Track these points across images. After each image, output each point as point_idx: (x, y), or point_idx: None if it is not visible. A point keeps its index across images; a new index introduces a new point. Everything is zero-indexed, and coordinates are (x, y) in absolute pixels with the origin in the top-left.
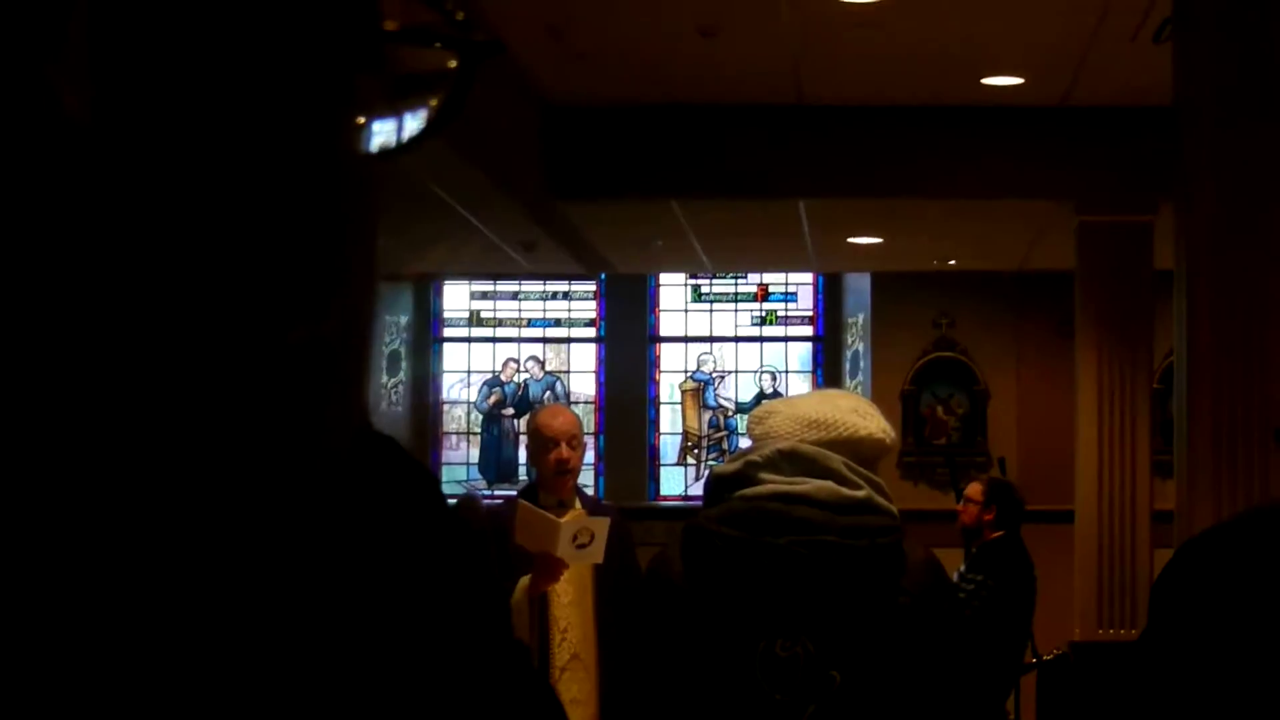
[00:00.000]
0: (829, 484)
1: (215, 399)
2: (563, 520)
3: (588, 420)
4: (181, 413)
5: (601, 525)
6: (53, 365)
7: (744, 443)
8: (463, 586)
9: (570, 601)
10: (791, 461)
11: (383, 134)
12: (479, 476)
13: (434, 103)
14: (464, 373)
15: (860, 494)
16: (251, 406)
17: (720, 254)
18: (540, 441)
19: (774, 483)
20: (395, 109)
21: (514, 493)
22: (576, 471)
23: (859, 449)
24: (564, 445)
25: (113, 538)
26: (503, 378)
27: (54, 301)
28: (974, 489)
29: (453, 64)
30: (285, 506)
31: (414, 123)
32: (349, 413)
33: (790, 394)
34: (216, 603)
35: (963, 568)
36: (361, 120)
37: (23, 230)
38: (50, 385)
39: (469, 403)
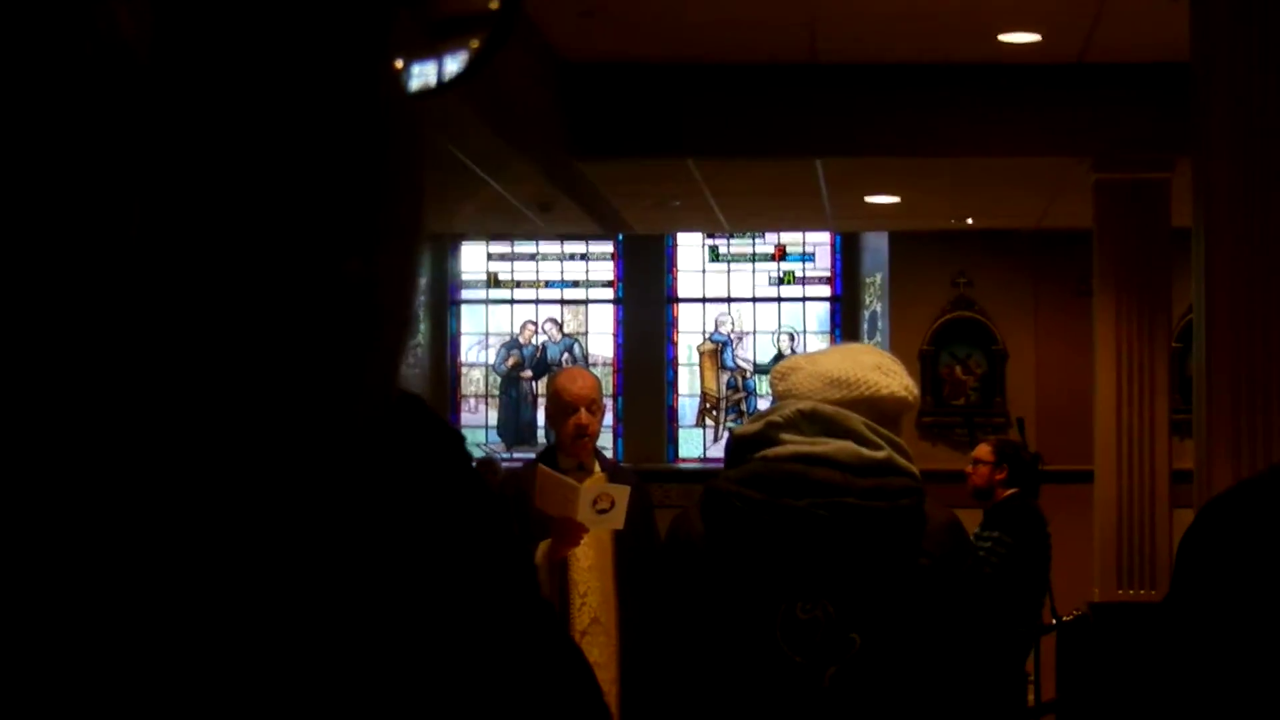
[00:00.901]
0: (849, 445)
1: (269, 334)
2: (583, 485)
3: (606, 382)
4: (230, 352)
5: (622, 492)
6: (100, 288)
7: (762, 404)
8: (491, 544)
9: (590, 566)
10: (812, 422)
11: (423, 75)
12: (497, 439)
13: (475, 44)
14: (482, 335)
15: (881, 455)
16: (304, 341)
17: (737, 214)
18: (560, 405)
19: (794, 444)
20: (436, 50)
21: (533, 456)
22: (596, 435)
23: (881, 407)
24: (583, 410)
25: (150, 483)
26: (521, 340)
27: (103, 224)
28: (982, 450)
29: (495, 4)
30: (324, 458)
31: (454, 64)
32: (393, 361)
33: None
34: (246, 558)
35: (978, 529)
36: (402, 61)
37: (80, 156)
38: (97, 308)
39: (487, 365)
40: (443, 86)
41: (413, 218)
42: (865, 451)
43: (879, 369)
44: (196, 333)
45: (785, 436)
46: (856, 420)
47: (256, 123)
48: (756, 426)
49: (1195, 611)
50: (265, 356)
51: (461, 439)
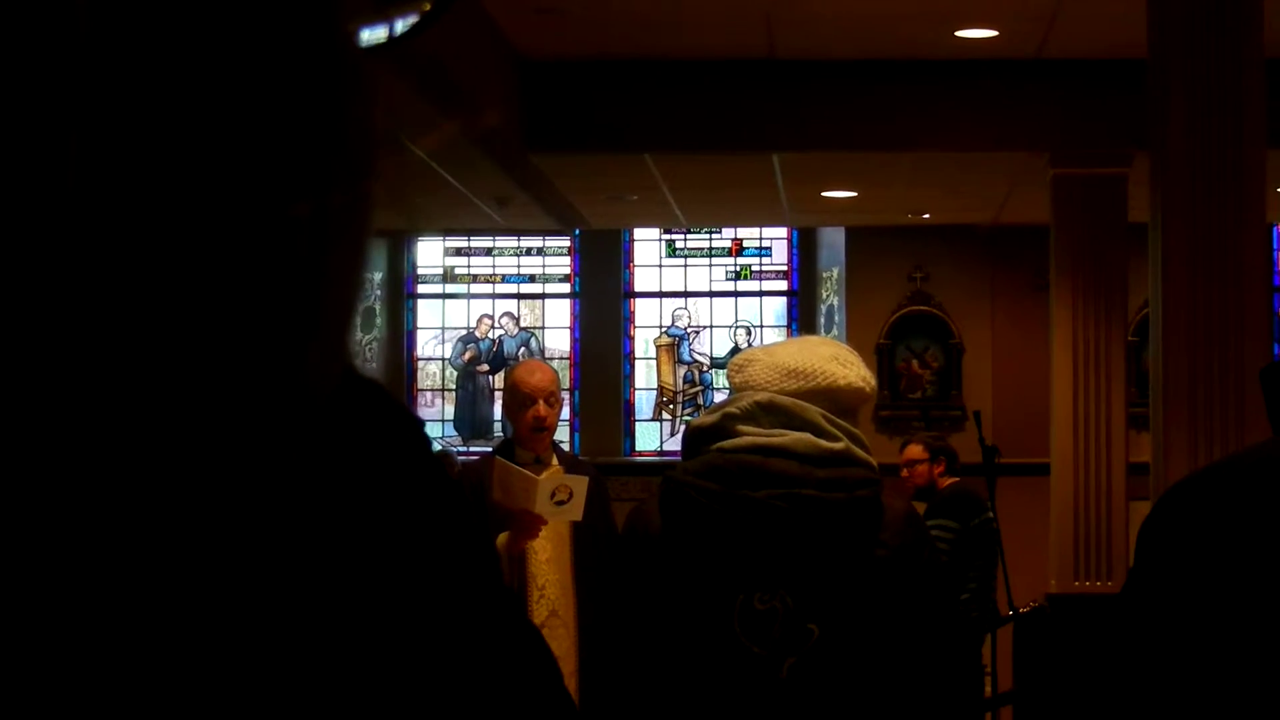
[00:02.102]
0: (807, 436)
1: (209, 284)
2: (541, 477)
3: (563, 376)
4: (164, 305)
5: (580, 483)
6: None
7: (719, 397)
8: (454, 531)
9: (548, 559)
10: (769, 413)
11: (375, 30)
12: (454, 433)
13: (426, 6)
14: (438, 329)
15: (838, 446)
16: (246, 294)
17: (694, 208)
18: (517, 398)
19: (752, 435)
20: (387, 15)
21: (490, 449)
22: (553, 428)
23: (838, 398)
24: (541, 402)
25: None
26: (477, 334)
27: (38, 165)
28: (914, 450)
29: None
30: (272, 433)
31: (404, 25)
32: (345, 320)
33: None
34: (201, 548)
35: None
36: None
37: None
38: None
39: (443, 359)
40: (394, 41)
41: (365, 163)
42: (823, 443)
43: (836, 360)
44: (130, 283)
45: (742, 428)
46: (814, 411)
47: (203, 53)
48: (713, 418)
49: (1154, 598)
50: (204, 312)
51: (421, 424)
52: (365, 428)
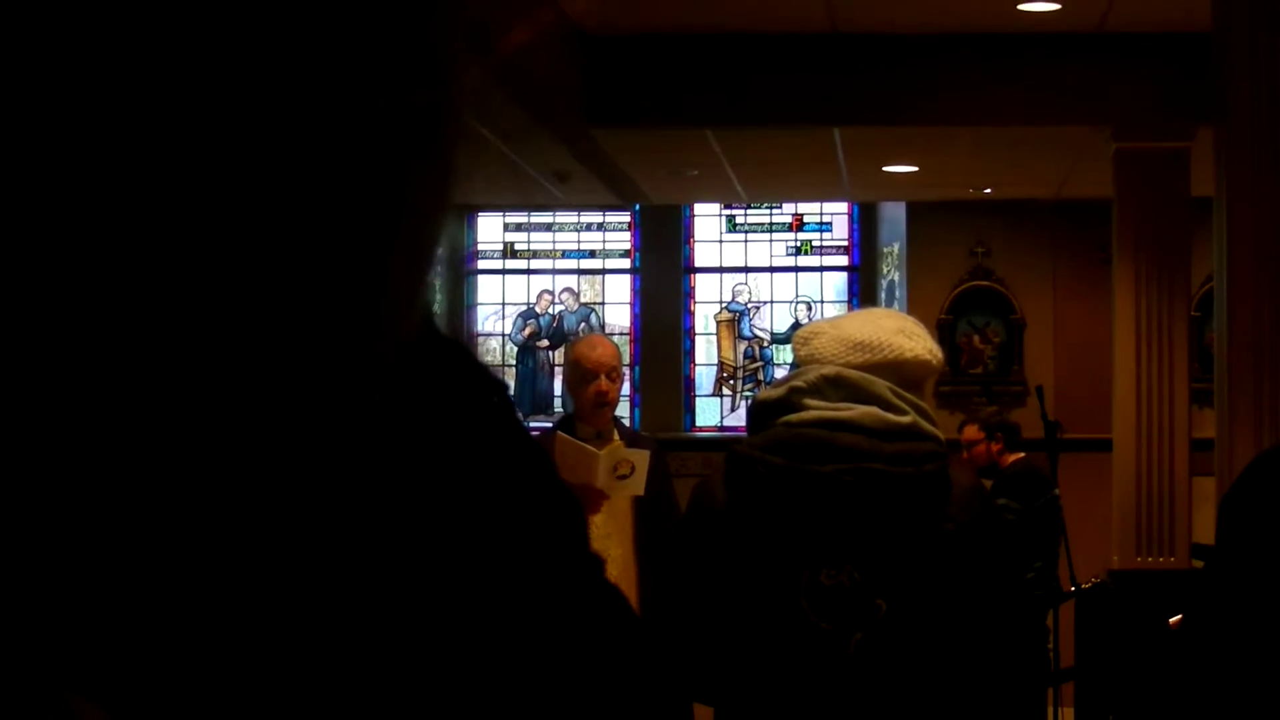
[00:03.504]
0: (874, 410)
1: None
2: (602, 452)
3: (623, 351)
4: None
5: (642, 457)
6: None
7: (779, 373)
8: (545, 497)
9: (609, 534)
10: (836, 387)
11: None
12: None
13: None
14: (498, 305)
15: (905, 419)
16: (320, 199)
17: (755, 183)
18: (579, 373)
19: (818, 409)
20: None
21: (550, 425)
22: (615, 403)
23: (904, 371)
24: (603, 377)
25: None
26: (537, 310)
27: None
28: (969, 431)
29: None
30: (355, 386)
31: None
32: (428, 244)
33: None
34: (272, 514)
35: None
36: None
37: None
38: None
39: (503, 335)
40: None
41: (451, 59)
42: (890, 416)
43: (902, 332)
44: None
45: (809, 402)
46: (881, 385)
47: None
48: (780, 392)
49: (1238, 569)
50: (270, 216)
51: (507, 388)
52: (452, 389)
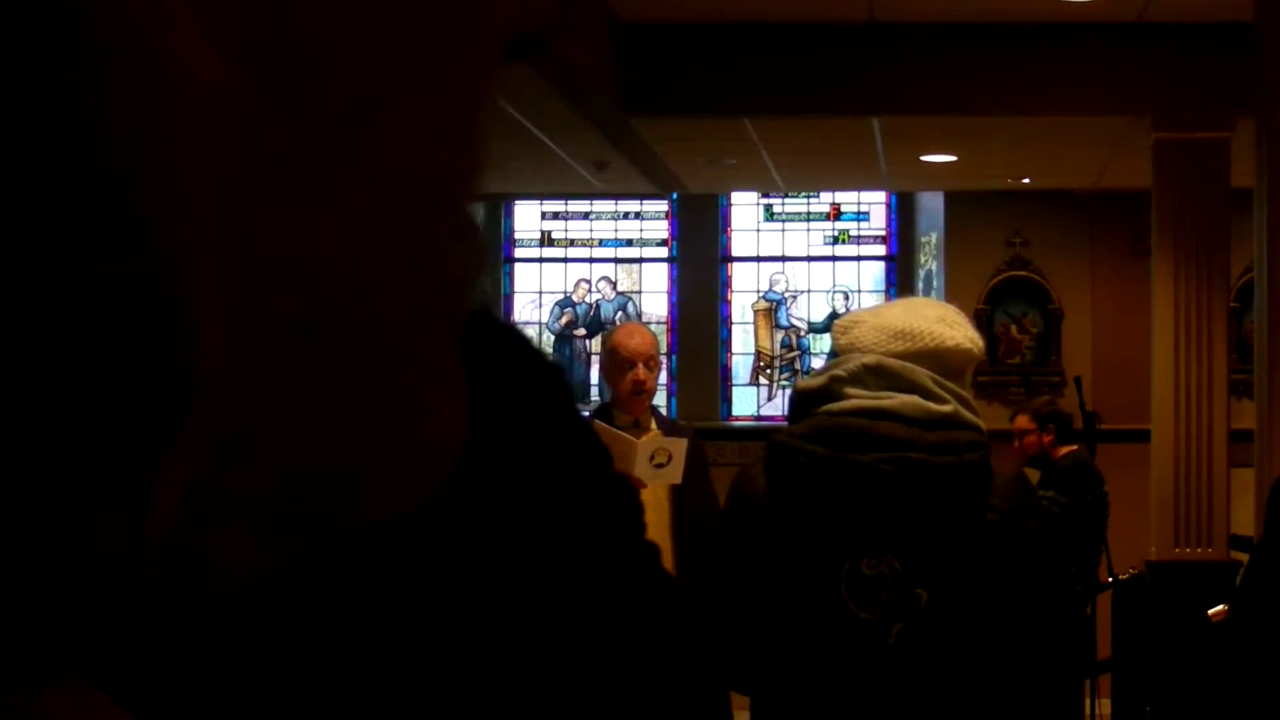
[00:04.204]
0: (915, 399)
1: None
2: (640, 440)
3: (660, 340)
4: None
5: (679, 446)
6: None
7: (816, 362)
8: (603, 483)
9: (647, 522)
10: (877, 376)
11: None
12: None
13: None
14: (535, 293)
15: (947, 409)
16: None
17: (793, 172)
18: (617, 361)
19: (859, 398)
20: None
21: (587, 413)
22: (652, 392)
23: (945, 359)
24: (641, 366)
25: None
26: (574, 298)
27: None
28: (1021, 420)
29: None
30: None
31: None
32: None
33: None
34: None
35: (1037, 487)
36: None
37: None
38: None
39: (540, 323)
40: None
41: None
42: (931, 406)
43: (942, 321)
44: None
45: (850, 391)
46: (922, 374)
47: None
48: (820, 381)
49: None
50: None
51: (564, 372)
52: (506, 370)
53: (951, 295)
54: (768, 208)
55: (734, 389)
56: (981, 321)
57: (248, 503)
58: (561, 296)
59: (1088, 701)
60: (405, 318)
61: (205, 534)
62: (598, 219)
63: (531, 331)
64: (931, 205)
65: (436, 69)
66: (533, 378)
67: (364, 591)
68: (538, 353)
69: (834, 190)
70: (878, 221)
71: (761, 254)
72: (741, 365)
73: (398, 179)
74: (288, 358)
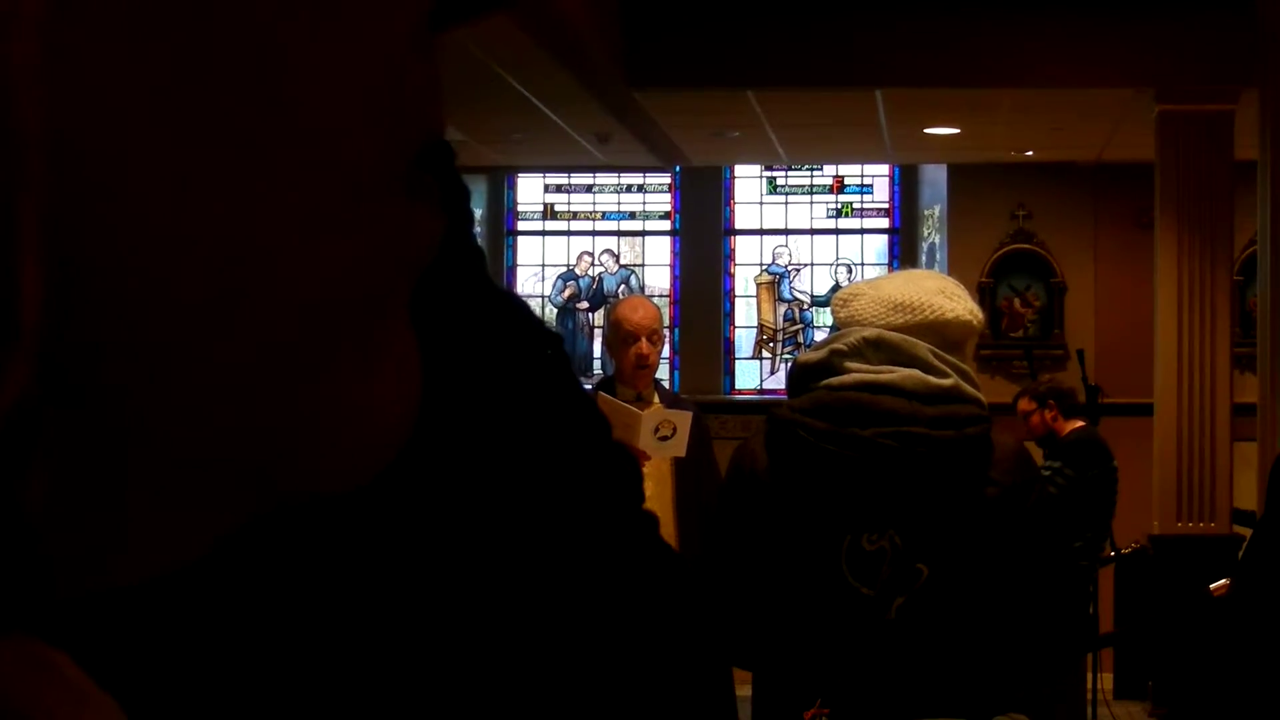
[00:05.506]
0: (915, 373)
1: None
2: (645, 412)
3: (663, 314)
4: None
5: (683, 418)
6: None
7: (819, 336)
8: (601, 452)
9: (650, 495)
10: (877, 349)
11: None
12: None
13: None
14: (538, 266)
15: (947, 382)
16: None
17: (796, 145)
18: (620, 335)
19: (859, 372)
20: None
21: (591, 387)
22: (656, 366)
23: (945, 332)
24: (644, 339)
25: None
26: (577, 271)
27: None
28: (1023, 404)
29: None
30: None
31: None
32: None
33: None
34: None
35: (1043, 460)
36: None
37: None
38: None
39: (543, 296)
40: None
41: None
42: (932, 379)
43: (942, 293)
44: None
45: (850, 365)
46: (922, 348)
47: None
48: (820, 354)
49: None
50: None
51: (562, 340)
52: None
53: (954, 268)
54: (771, 180)
55: (737, 362)
56: (985, 295)
57: (155, 481)
58: (564, 270)
59: (1090, 675)
60: (322, 283)
61: (106, 514)
62: (600, 192)
63: (534, 305)
64: (935, 178)
65: (348, 21)
66: (529, 345)
67: (341, 564)
68: (536, 321)
69: (837, 163)
70: (881, 194)
71: (764, 227)
72: (744, 339)
73: (309, 136)
74: (182, 326)
